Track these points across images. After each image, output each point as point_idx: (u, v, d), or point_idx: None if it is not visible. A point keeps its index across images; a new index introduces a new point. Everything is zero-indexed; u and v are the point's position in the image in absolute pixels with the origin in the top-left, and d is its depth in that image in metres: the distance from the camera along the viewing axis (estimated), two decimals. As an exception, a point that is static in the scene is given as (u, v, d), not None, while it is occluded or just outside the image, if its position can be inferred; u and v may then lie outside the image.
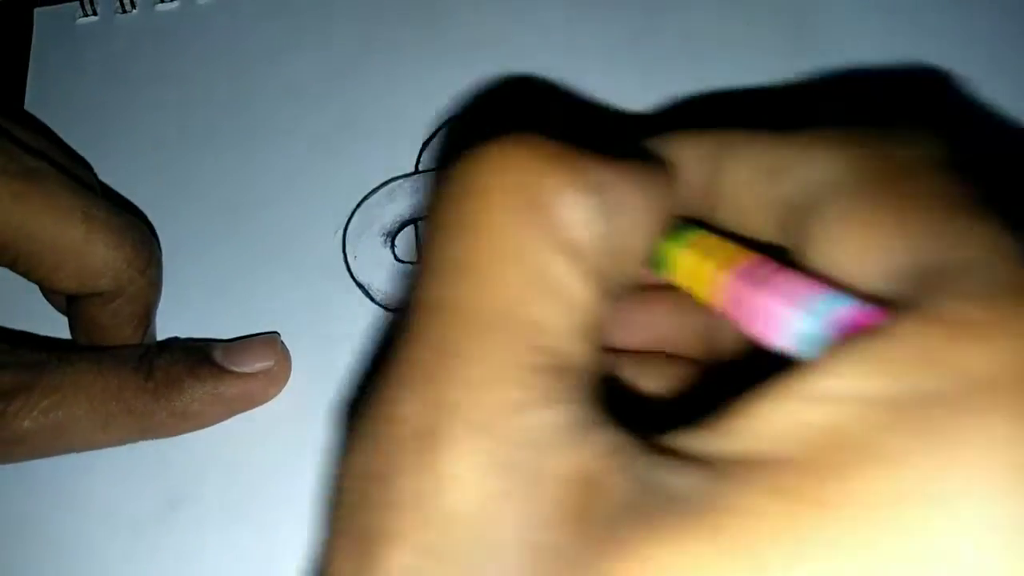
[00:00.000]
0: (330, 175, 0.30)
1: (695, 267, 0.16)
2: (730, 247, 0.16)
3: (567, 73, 0.31)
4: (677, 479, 0.11)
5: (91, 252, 0.22)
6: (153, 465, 0.25)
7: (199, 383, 0.23)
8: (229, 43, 0.33)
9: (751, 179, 0.16)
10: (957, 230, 0.13)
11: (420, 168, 0.30)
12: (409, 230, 0.29)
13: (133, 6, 0.35)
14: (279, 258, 0.29)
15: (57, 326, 0.27)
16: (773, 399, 0.11)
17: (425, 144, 0.30)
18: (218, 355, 0.24)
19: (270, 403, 0.26)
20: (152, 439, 0.23)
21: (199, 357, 0.24)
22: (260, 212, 0.30)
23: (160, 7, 0.34)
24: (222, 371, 0.24)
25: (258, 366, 0.24)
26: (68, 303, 0.24)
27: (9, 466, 0.23)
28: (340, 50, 0.33)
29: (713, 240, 0.16)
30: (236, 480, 0.25)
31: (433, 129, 0.31)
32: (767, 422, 0.11)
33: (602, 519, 0.11)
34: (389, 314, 0.27)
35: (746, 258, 0.15)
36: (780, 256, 0.15)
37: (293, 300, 0.28)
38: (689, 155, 0.17)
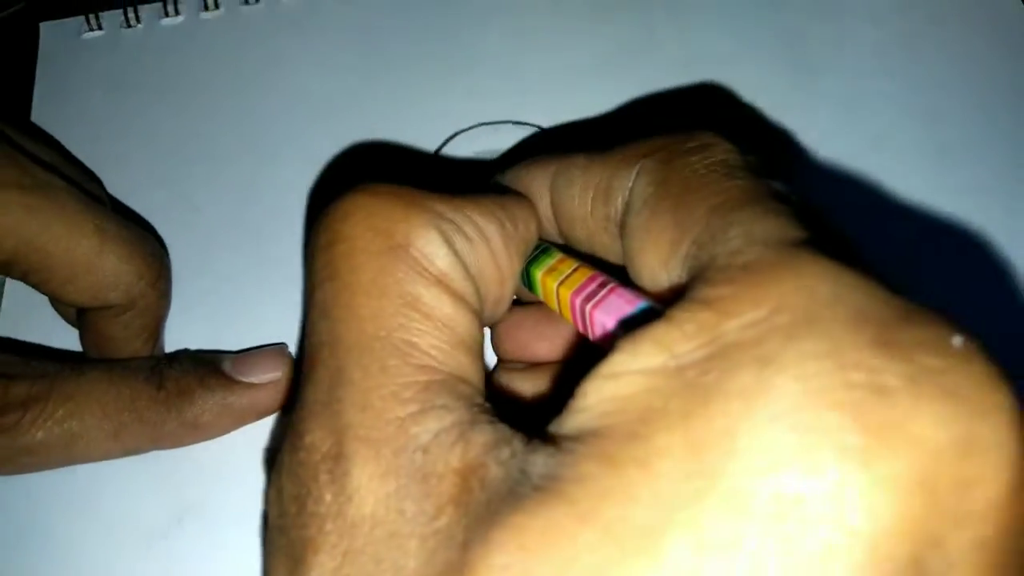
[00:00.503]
0: (333, 189, 0.30)
1: (549, 288, 0.19)
2: (573, 267, 0.19)
3: (563, 91, 0.32)
4: (540, 460, 0.13)
5: (103, 265, 0.22)
6: (162, 476, 0.25)
7: (209, 393, 0.24)
8: (234, 58, 0.34)
9: (584, 200, 0.19)
10: (726, 222, 0.15)
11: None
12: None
13: (138, 21, 0.35)
14: (285, 270, 0.29)
15: (67, 338, 0.27)
16: (590, 380, 0.14)
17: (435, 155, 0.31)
18: (227, 366, 0.24)
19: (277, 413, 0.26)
20: (163, 449, 0.24)
21: (209, 368, 0.24)
22: (266, 225, 0.30)
23: (165, 21, 0.35)
24: (232, 382, 0.24)
25: (267, 377, 0.25)
26: (78, 315, 0.25)
27: (20, 476, 0.23)
28: (345, 66, 0.33)
29: (565, 262, 0.19)
30: (245, 491, 0.25)
31: (437, 147, 0.31)
32: (587, 399, 0.14)
33: (483, 504, 0.13)
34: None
35: (584, 276, 0.18)
36: (617, 270, 0.18)
37: (299, 312, 0.28)
38: (538, 182, 0.20)
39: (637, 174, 0.17)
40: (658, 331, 0.13)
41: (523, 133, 0.31)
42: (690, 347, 0.13)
